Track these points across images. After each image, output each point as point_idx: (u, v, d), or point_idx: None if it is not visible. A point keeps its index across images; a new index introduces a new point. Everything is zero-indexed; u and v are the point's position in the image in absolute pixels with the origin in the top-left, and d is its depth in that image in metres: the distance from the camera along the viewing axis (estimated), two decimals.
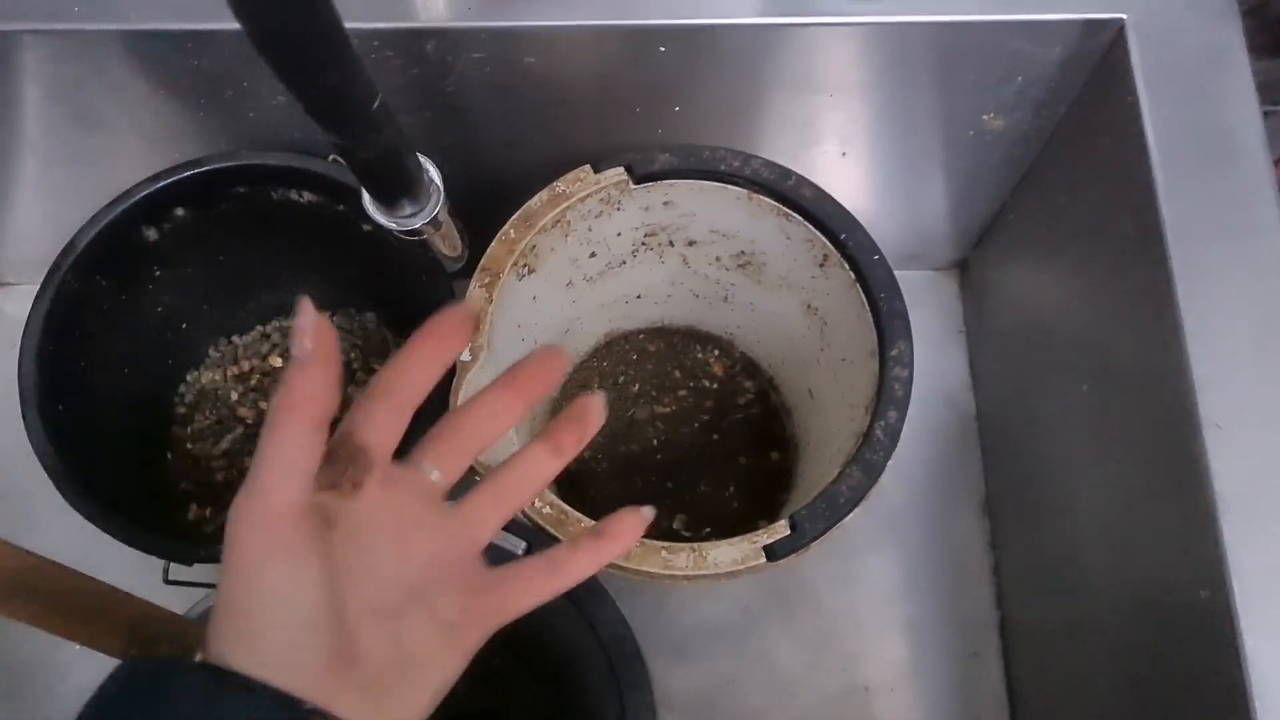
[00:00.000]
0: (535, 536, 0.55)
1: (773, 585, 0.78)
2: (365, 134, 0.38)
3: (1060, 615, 0.68)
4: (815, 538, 0.55)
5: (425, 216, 0.49)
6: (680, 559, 0.54)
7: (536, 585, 0.37)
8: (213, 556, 0.59)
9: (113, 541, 0.60)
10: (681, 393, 0.79)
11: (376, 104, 0.37)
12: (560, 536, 0.54)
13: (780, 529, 0.55)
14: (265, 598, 0.31)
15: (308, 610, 0.32)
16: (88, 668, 0.75)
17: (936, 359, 0.84)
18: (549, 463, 0.39)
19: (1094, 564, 0.63)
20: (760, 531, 0.55)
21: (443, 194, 0.49)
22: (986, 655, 0.77)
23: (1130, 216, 0.57)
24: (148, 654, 0.46)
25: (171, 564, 0.60)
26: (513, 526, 0.55)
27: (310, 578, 0.32)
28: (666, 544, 0.54)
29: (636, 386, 0.79)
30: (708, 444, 0.78)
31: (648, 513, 0.40)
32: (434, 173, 0.49)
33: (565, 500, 0.55)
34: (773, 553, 0.54)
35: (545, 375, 0.40)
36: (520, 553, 0.54)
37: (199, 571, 0.60)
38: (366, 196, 0.48)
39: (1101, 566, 0.62)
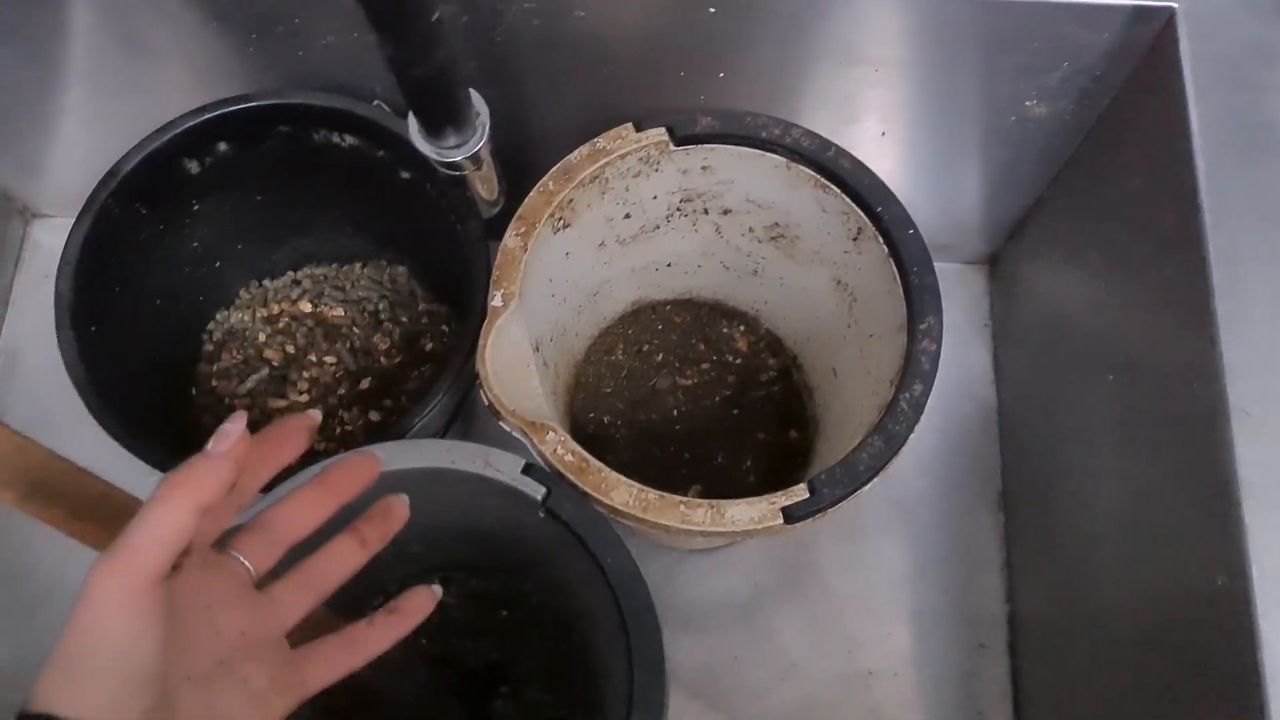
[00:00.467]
0: (556, 483, 0.55)
1: (783, 563, 0.78)
2: (421, 47, 0.38)
3: (1071, 611, 0.68)
4: (834, 503, 0.55)
5: (468, 150, 0.49)
6: (698, 514, 0.54)
7: (336, 660, 0.44)
8: None
9: (132, 470, 0.60)
10: (705, 366, 0.79)
11: (435, 17, 0.37)
12: (581, 485, 0.55)
13: (799, 492, 0.55)
14: (107, 648, 0.33)
15: (141, 668, 0.34)
16: None
17: (961, 352, 0.84)
18: (355, 554, 0.45)
19: (1109, 556, 0.63)
20: (779, 493, 0.55)
21: (488, 131, 0.50)
22: (993, 648, 0.76)
23: (1170, 206, 0.57)
24: None
25: None
26: (533, 472, 0.55)
27: (150, 638, 0.34)
28: (685, 499, 0.54)
29: (660, 356, 0.79)
30: (727, 418, 0.78)
31: (437, 590, 0.48)
32: (481, 108, 0.49)
33: None
34: (790, 515, 0.54)
35: (356, 479, 0.46)
36: (539, 498, 0.54)
37: None
38: (413, 122, 0.48)
39: (1116, 558, 0.62)
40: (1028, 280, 0.79)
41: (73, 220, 0.64)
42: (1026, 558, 0.76)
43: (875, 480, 0.56)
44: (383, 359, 0.76)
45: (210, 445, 0.37)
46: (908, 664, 0.76)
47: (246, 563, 0.42)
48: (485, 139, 0.50)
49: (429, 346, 0.77)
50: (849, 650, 0.76)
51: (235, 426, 0.38)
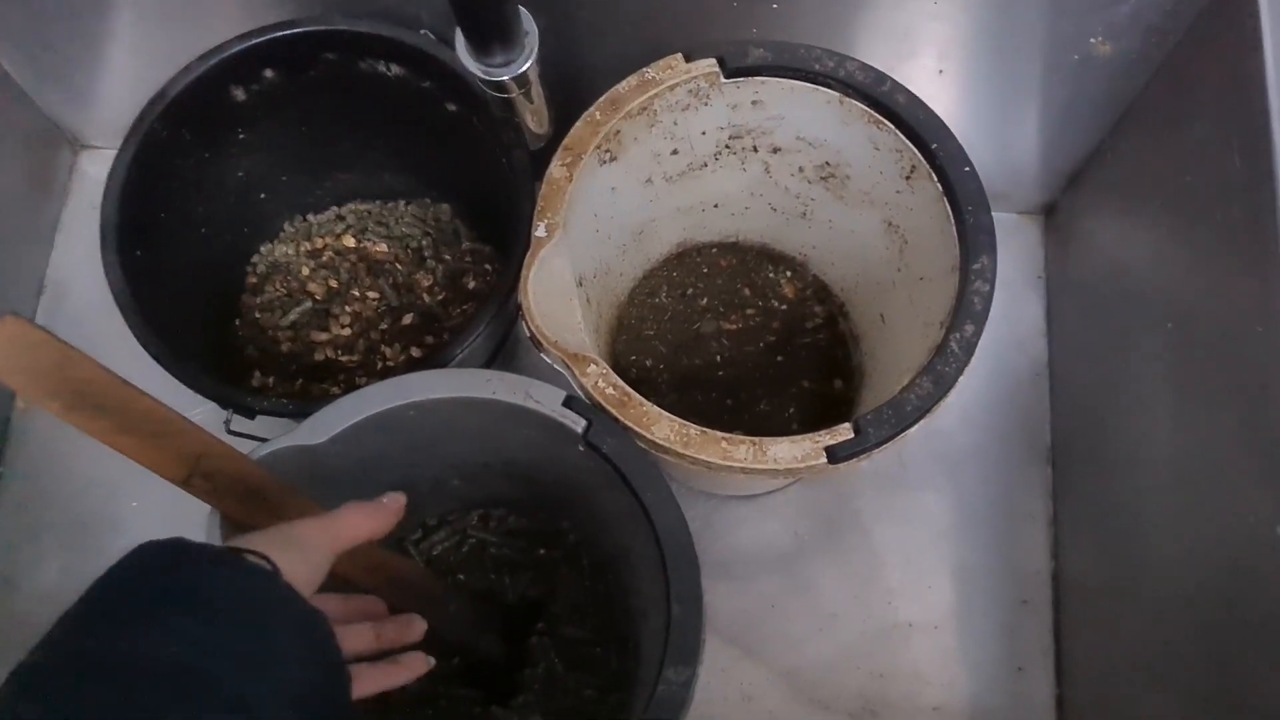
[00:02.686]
0: (597, 416, 0.54)
1: (824, 514, 0.77)
2: None
3: (1119, 567, 0.67)
4: (879, 444, 0.54)
5: (515, 69, 0.48)
6: (740, 451, 0.53)
7: None
8: (274, 410, 0.59)
9: (176, 395, 0.60)
10: (749, 311, 0.78)
11: None
12: (622, 419, 0.54)
13: (844, 431, 0.54)
14: (311, 558, 0.43)
15: (316, 576, 0.43)
16: (144, 525, 0.77)
17: (1012, 304, 0.82)
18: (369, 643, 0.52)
19: (1161, 510, 0.62)
20: (823, 432, 0.54)
21: (536, 52, 0.49)
22: (1036, 604, 0.75)
23: (1239, 149, 0.55)
24: (207, 487, 0.46)
25: (234, 416, 0.60)
26: (574, 405, 0.54)
27: (324, 567, 0.44)
28: (727, 435, 0.53)
29: (705, 300, 0.78)
30: (771, 365, 0.77)
31: (431, 660, 0.53)
32: (531, 26, 0.48)
33: None
34: (834, 454, 0.53)
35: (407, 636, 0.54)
36: (580, 431, 0.54)
37: (260, 425, 0.60)
38: (460, 39, 0.47)
39: (1169, 512, 0.61)
40: (1085, 230, 0.77)
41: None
42: (1074, 513, 0.75)
43: (922, 422, 0.55)
44: (425, 296, 0.76)
45: (385, 498, 0.49)
46: (949, 618, 0.75)
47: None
48: (533, 59, 0.49)
49: (472, 285, 0.76)
50: (889, 602, 0.75)
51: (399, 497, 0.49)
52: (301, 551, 0.43)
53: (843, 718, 0.73)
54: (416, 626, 0.54)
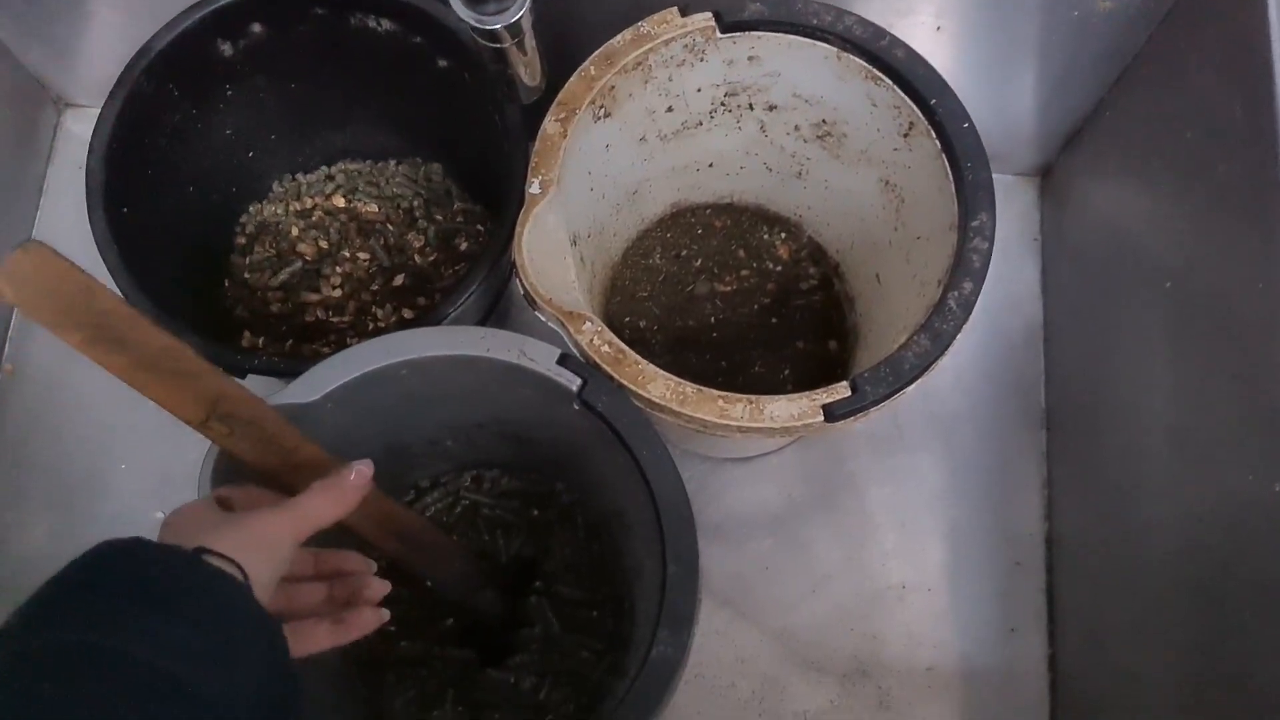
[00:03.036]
0: (592, 374, 0.53)
1: (818, 476, 0.77)
2: None
3: (1112, 528, 0.67)
4: (876, 402, 0.53)
5: (509, 17, 0.47)
6: (736, 409, 0.53)
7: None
8: (266, 368, 0.58)
9: None
10: (744, 272, 0.77)
11: None
12: (617, 376, 0.53)
13: (841, 389, 0.53)
14: (273, 550, 0.44)
15: (277, 570, 0.44)
16: (133, 487, 0.77)
17: (1007, 267, 0.82)
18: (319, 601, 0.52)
19: (1155, 471, 0.61)
20: (820, 390, 0.53)
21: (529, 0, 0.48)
22: (1030, 566, 0.75)
23: (1240, 102, 0.54)
24: (224, 431, 0.46)
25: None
26: (569, 363, 0.54)
27: (287, 557, 0.45)
28: (724, 393, 0.53)
29: (699, 261, 0.77)
30: (766, 326, 0.76)
31: (384, 613, 0.51)
32: None
33: None
34: (831, 412, 0.53)
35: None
36: (575, 389, 0.53)
37: (251, 385, 0.59)
38: None
39: (1163, 472, 0.61)
40: (1082, 191, 0.76)
41: None
42: (1067, 476, 0.74)
43: (919, 381, 0.54)
44: (417, 257, 0.75)
45: (355, 474, 0.48)
46: (942, 580, 0.75)
47: None
48: (526, 6, 0.48)
49: (464, 245, 0.76)
50: (883, 564, 0.75)
51: (366, 468, 0.48)
52: (265, 549, 0.43)
53: (836, 679, 0.73)
54: (375, 588, 0.52)
